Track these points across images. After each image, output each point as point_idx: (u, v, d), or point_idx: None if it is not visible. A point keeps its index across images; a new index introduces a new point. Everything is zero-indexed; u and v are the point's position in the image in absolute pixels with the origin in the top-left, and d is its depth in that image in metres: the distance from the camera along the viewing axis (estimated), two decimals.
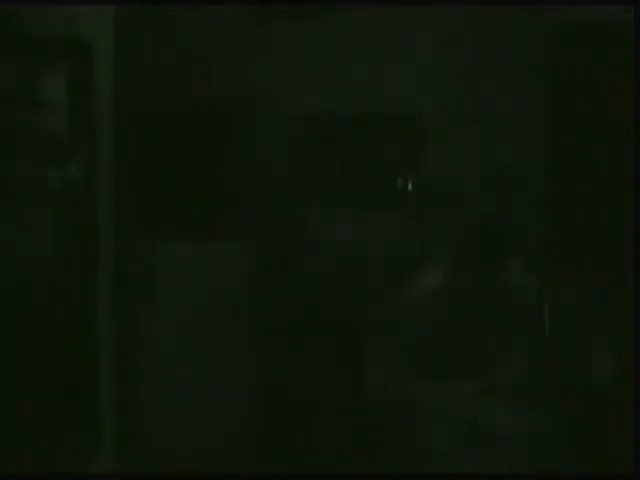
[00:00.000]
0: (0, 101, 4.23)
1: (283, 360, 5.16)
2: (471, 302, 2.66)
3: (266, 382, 5.12)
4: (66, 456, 4.23)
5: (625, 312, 2.73)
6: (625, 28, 4.20)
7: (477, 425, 2.48)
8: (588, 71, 4.53)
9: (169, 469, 4.67)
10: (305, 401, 5.04)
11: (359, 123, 5.37)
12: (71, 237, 4.31)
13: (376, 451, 3.40)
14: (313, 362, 5.00)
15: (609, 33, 4.42)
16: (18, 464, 4.09)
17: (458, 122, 5.25)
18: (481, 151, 5.08)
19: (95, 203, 4.39)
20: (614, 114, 4.44)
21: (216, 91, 5.15)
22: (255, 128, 5.32)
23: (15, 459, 4.10)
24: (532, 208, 4.03)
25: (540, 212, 4.40)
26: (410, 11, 5.20)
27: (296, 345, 5.14)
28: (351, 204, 5.40)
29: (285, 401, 5.17)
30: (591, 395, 3.51)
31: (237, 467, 4.81)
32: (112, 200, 4.45)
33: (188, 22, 5.09)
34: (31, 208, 4.25)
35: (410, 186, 5.20)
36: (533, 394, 2.53)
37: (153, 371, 4.89)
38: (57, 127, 4.29)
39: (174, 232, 5.14)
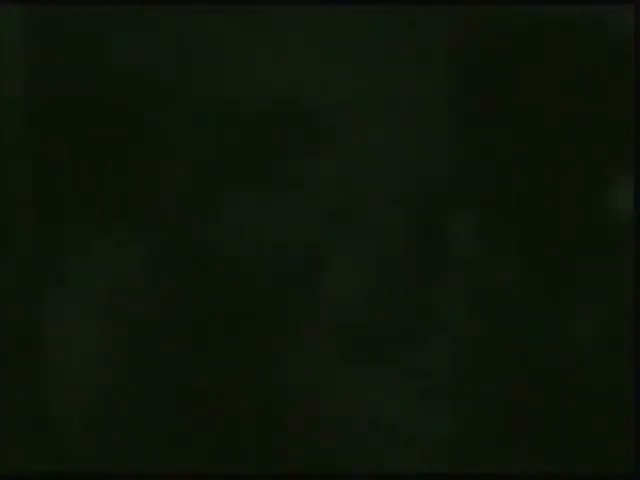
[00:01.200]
0: None
1: (189, 352, 5.08)
2: (391, 296, 2.58)
3: (173, 375, 5.05)
4: None
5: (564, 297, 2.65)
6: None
7: (395, 422, 2.42)
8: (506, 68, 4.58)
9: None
10: (212, 394, 4.98)
11: (265, 115, 5.38)
12: None
13: (288, 447, 3.35)
14: (220, 353, 4.94)
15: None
16: None
17: (365, 118, 5.23)
18: (391, 148, 5.05)
19: None
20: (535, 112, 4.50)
21: (122, 81, 5.12)
22: (163, 117, 5.30)
23: None
24: (446, 203, 4.00)
25: (456, 206, 4.43)
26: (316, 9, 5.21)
27: (201, 335, 5.07)
28: (256, 191, 5.39)
29: (192, 395, 5.10)
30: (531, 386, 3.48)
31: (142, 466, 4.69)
32: (14, 184, 4.43)
33: (94, 18, 5.11)
34: None
35: (319, 182, 5.20)
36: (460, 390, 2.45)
37: (53, 365, 4.80)
38: None
39: (78, 217, 5.08)
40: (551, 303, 2.69)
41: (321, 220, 3.69)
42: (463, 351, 2.67)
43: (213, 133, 5.25)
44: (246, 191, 5.24)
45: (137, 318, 4.92)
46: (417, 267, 2.69)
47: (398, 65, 4.99)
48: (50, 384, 4.58)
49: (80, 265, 4.57)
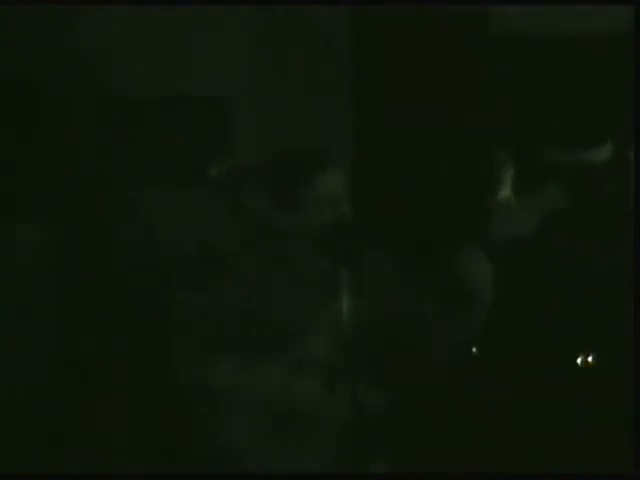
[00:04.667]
0: None
1: (89, 346, 5.04)
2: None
3: (71, 371, 5.01)
4: None
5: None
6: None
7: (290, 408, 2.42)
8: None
9: None
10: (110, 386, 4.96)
11: (169, 106, 5.38)
12: None
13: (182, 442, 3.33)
14: (120, 349, 4.92)
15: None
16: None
17: (269, 107, 5.23)
18: (293, 136, 5.05)
19: None
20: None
21: (24, 72, 5.08)
22: (65, 110, 5.27)
23: None
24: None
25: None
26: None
27: (103, 330, 5.04)
28: (160, 187, 5.38)
29: (90, 386, 5.06)
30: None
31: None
32: None
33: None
34: None
35: (223, 170, 5.19)
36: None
37: None
38: None
39: None
40: None
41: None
42: None
43: (115, 130, 5.19)
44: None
45: (36, 315, 4.83)
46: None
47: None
48: None
49: None
